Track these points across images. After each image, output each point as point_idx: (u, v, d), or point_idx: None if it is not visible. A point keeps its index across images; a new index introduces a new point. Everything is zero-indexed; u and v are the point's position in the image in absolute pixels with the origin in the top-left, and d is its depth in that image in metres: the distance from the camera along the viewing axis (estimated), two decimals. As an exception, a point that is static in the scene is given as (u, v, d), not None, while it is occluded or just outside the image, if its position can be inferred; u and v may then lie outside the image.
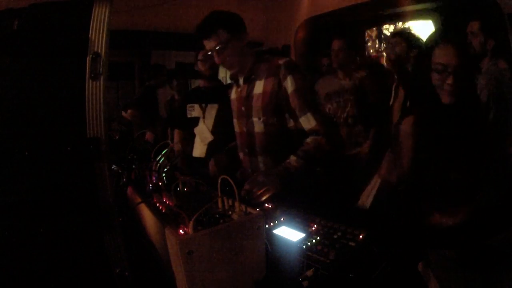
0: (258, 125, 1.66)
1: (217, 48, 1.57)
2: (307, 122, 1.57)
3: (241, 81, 1.73)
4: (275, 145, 1.65)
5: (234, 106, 1.82)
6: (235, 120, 1.83)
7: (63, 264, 0.88)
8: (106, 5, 0.95)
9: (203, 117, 2.62)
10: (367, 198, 2.42)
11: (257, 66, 1.67)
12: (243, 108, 1.72)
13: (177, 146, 2.68)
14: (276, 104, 1.61)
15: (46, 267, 0.87)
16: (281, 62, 1.61)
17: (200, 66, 2.66)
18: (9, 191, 0.87)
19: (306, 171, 1.53)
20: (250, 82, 1.69)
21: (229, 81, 1.99)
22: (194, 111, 2.66)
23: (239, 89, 1.76)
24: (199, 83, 2.81)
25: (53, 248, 0.88)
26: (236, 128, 1.83)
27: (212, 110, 2.63)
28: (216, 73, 2.72)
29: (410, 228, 1.22)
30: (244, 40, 1.63)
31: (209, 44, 1.58)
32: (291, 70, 1.58)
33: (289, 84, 1.57)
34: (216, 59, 1.61)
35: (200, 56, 2.65)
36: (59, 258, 0.88)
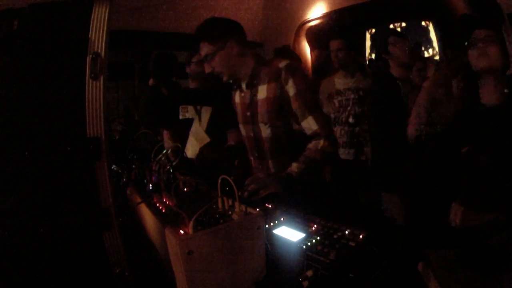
0: (264, 130, 1.66)
1: (203, 59, 1.61)
2: (309, 125, 1.56)
3: (243, 86, 1.72)
4: (284, 148, 1.64)
5: (239, 110, 1.81)
6: (241, 125, 1.82)
7: (63, 264, 0.88)
8: (106, 5, 0.95)
9: (199, 119, 2.63)
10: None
11: (258, 70, 1.66)
12: (248, 114, 1.72)
13: (168, 144, 2.69)
14: (281, 109, 1.60)
15: (46, 267, 0.87)
16: (281, 65, 1.59)
17: (195, 69, 2.66)
18: (9, 191, 0.87)
19: (309, 174, 1.52)
20: (252, 87, 1.68)
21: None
22: (188, 112, 2.66)
23: (242, 94, 1.75)
24: (190, 84, 2.79)
25: (53, 248, 0.88)
26: (243, 133, 1.82)
27: (206, 112, 2.64)
28: (208, 76, 2.73)
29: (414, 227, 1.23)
30: (234, 47, 1.60)
31: (200, 55, 1.64)
32: (291, 73, 1.57)
33: (290, 88, 1.56)
34: (205, 69, 1.64)
35: (194, 59, 2.66)
36: (59, 258, 0.88)
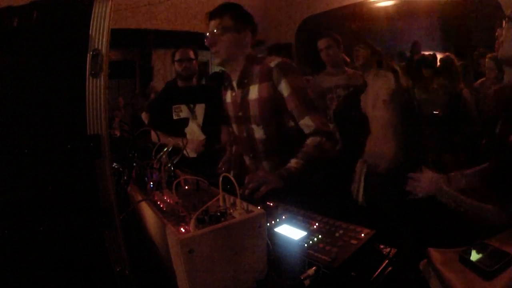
0: (258, 132, 1.63)
1: (215, 30, 1.56)
2: (306, 125, 1.54)
3: (234, 84, 1.68)
4: (278, 149, 1.62)
5: (231, 111, 1.76)
6: (234, 126, 1.78)
7: (63, 262, 0.88)
8: (107, 3, 0.94)
9: (194, 118, 2.63)
10: (357, 190, 2.42)
11: (249, 68, 1.61)
12: (240, 114, 1.68)
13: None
14: (274, 109, 1.57)
15: (46, 266, 0.87)
16: (272, 64, 1.55)
17: (177, 66, 2.67)
18: (9, 189, 0.86)
19: (308, 171, 1.51)
20: (244, 86, 1.63)
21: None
22: (182, 112, 2.64)
23: (233, 94, 1.70)
24: (178, 83, 2.77)
25: (53, 246, 0.87)
26: (236, 133, 1.78)
27: (200, 110, 2.63)
28: (193, 74, 2.69)
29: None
30: (245, 37, 1.59)
31: (211, 25, 1.58)
32: (284, 72, 1.53)
33: (283, 88, 1.53)
34: (207, 41, 1.59)
35: (176, 57, 2.66)
36: (59, 257, 0.88)
